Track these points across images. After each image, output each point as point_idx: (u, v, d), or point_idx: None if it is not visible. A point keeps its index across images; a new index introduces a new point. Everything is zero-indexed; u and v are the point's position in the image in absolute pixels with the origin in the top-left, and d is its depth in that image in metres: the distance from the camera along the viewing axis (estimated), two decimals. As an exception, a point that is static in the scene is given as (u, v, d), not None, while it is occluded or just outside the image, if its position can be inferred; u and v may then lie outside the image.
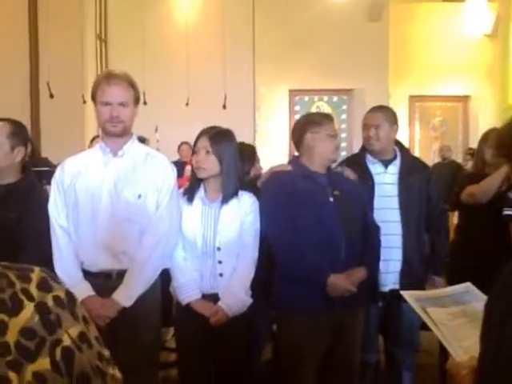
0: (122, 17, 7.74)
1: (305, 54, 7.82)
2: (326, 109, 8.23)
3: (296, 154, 2.59)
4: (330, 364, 2.41)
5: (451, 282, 2.69)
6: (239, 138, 2.51)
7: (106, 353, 0.53)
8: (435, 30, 8.58)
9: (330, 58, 7.83)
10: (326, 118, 2.51)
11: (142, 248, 2.17)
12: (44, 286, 0.48)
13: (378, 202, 2.66)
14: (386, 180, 2.73)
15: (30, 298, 0.47)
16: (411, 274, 2.66)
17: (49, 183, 2.37)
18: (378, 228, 2.52)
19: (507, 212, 2.79)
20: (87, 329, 0.50)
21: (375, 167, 2.76)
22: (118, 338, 1.99)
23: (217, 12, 7.61)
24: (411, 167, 2.79)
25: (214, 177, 2.33)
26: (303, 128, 2.47)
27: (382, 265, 2.55)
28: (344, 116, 8.32)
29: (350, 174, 2.59)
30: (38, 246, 2.22)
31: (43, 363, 0.44)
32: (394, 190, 2.71)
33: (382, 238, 2.53)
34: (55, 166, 2.64)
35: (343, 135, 8.12)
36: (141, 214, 2.19)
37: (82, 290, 2.10)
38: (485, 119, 8.40)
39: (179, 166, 4.07)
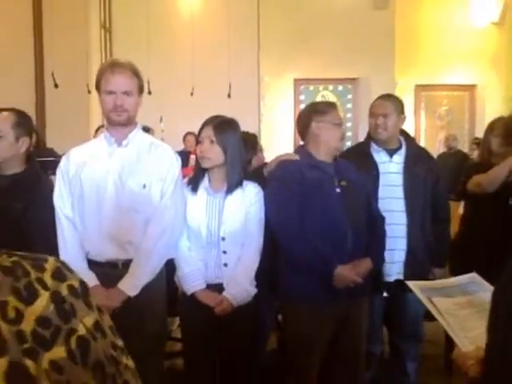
0: (126, 6, 7.71)
1: (310, 43, 7.77)
2: (331, 98, 8.18)
3: (301, 143, 2.57)
4: (335, 354, 2.41)
5: (455, 272, 2.68)
6: (244, 128, 2.50)
7: (120, 342, 0.53)
8: (442, 18, 8.50)
9: (335, 46, 7.77)
10: (330, 107, 2.49)
11: (147, 237, 2.17)
12: (58, 276, 0.49)
13: (382, 192, 2.64)
14: (391, 169, 2.71)
15: (45, 287, 0.47)
16: (416, 263, 2.65)
17: (54, 173, 2.37)
18: (383, 218, 2.51)
19: (515, 201, 2.77)
20: (101, 318, 0.51)
21: (380, 156, 2.74)
22: (123, 327, 2.00)
23: (221, 1, 7.57)
24: (417, 157, 2.77)
25: (219, 166, 2.32)
26: (308, 117, 2.45)
27: (386, 255, 2.54)
28: (349, 105, 8.27)
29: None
30: (43, 235, 2.23)
31: (59, 352, 0.45)
32: (398, 179, 2.69)
33: (387, 228, 2.52)
34: (60, 157, 2.64)
35: (348, 124, 8.08)
36: (146, 203, 2.19)
37: (87, 280, 2.09)
38: (491, 108, 8.33)
39: (184, 155, 4.06)
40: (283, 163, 2.46)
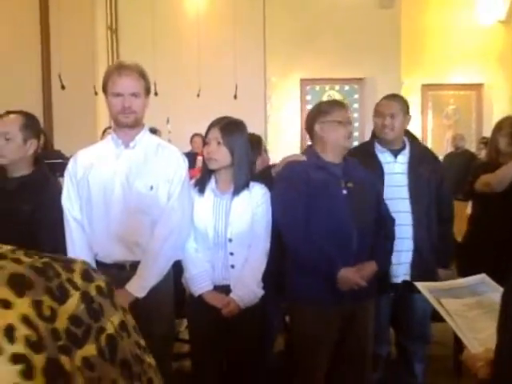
0: (132, 8, 7.73)
1: (316, 43, 7.76)
2: (337, 98, 8.15)
3: (309, 143, 2.57)
4: (341, 355, 2.41)
5: (464, 272, 2.67)
6: (250, 129, 2.50)
7: (142, 342, 0.56)
8: (448, 16, 8.46)
9: (341, 46, 7.76)
10: (335, 105, 2.46)
11: (154, 239, 2.18)
12: (87, 277, 0.51)
13: (387, 192, 2.63)
14: (396, 169, 2.70)
15: (76, 287, 0.49)
16: (422, 264, 2.64)
17: (62, 175, 2.38)
18: (392, 220, 2.49)
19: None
20: (125, 318, 0.53)
21: (384, 156, 2.72)
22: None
23: (227, 2, 7.57)
24: (421, 157, 2.76)
25: (226, 168, 2.32)
26: (313, 118, 2.45)
27: (393, 256, 2.53)
28: (356, 105, 8.26)
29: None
30: (51, 237, 2.24)
31: (90, 349, 0.47)
32: (403, 179, 2.68)
33: None
34: (68, 159, 2.65)
35: (355, 124, 8.06)
36: (153, 205, 2.19)
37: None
38: (499, 107, 8.29)
39: (191, 156, 4.06)
40: (290, 164, 2.46)
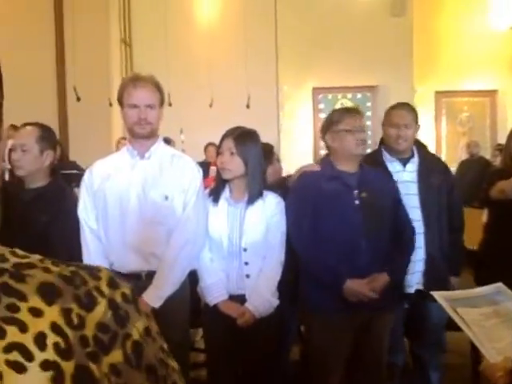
0: (145, 20, 7.82)
1: (327, 52, 7.78)
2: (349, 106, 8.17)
3: (322, 152, 2.57)
4: (356, 365, 2.39)
5: (481, 281, 2.64)
6: (263, 138, 2.51)
7: (165, 346, 0.56)
8: (460, 23, 8.44)
9: (353, 54, 7.77)
10: (345, 113, 2.45)
11: (169, 249, 2.19)
12: (112, 284, 0.52)
13: None
14: (405, 178, 2.67)
15: (102, 294, 0.50)
16: (434, 272, 2.62)
17: (77, 186, 2.41)
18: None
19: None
20: (150, 324, 0.54)
21: (393, 165, 2.70)
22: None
23: (238, 12, 7.62)
24: (430, 165, 2.74)
25: (239, 177, 2.33)
26: (324, 129, 2.46)
27: None
28: (368, 113, 8.24)
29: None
30: (67, 248, 2.25)
31: (117, 356, 0.48)
32: (413, 188, 2.66)
33: None
34: (83, 170, 2.68)
35: (368, 133, 8.04)
36: (168, 215, 2.21)
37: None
38: (513, 114, 8.23)
39: (204, 166, 4.08)
40: (303, 174, 2.47)
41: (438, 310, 2.41)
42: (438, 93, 8.63)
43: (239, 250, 2.29)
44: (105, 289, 0.50)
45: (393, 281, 2.33)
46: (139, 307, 0.53)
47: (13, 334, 0.43)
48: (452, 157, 8.38)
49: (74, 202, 2.36)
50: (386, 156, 2.73)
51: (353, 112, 2.50)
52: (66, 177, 2.78)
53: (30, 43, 6.84)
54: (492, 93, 8.75)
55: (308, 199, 2.31)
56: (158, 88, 2.26)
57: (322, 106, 8.25)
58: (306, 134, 8.08)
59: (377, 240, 2.31)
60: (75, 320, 0.46)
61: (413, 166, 2.71)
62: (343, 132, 2.36)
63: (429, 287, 2.35)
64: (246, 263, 2.29)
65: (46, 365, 0.43)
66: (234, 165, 2.30)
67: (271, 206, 2.34)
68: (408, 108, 2.78)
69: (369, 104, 8.27)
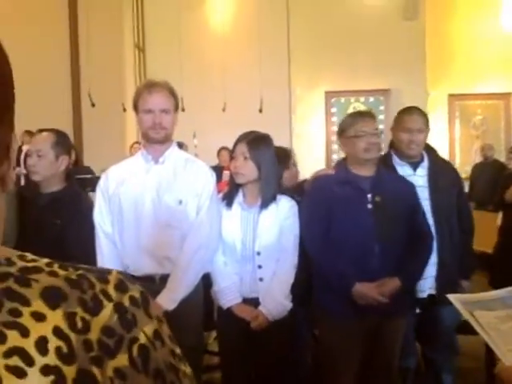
0: (159, 26, 7.88)
1: (340, 55, 7.78)
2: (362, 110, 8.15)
3: (334, 155, 2.58)
4: (368, 368, 2.39)
5: (496, 284, 2.62)
6: (276, 142, 2.52)
7: (178, 350, 0.56)
8: (473, 26, 8.39)
9: (366, 58, 7.76)
10: (358, 117, 2.46)
11: (183, 252, 2.21)
12: (121, 287, 0.51)
13: None
14: (416, 182, 2.66)
15: (109, 298, 0.50)
16: (446, 276, 2.61)
17: (92, 190, 2.43)
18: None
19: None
20: (160, 327, 0.53)
21: (404, 169, 2.68)
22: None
23: (251, 16, 7.66)
24: (440, 169, 2.73)
25: (253, 182, 2.34)
26: (338, 135, 2.48)
27: None
28: (381, 117, 8.20)
29: None
30: (82, 252, 2.27)
31: (122, 360, 0.47)
32: (424, 192, 2.63)
33: None
34: (97, 174, 2.71)
35: (382, 136, 8.01)
36: (182, 219, 2.23)
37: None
38: (528, 116, 8.15)
39: (218, 170, 4.10)
40: (317, 178, 2.48)
41: (450, 313, 2.40)
42: (451, 96, 8.58)
43: (252, 253, 2.30)
44: (112, 292, 0.50)
45: (404, 286, 2.31)
46: (150, 310, 0.52)
47: (14, 338, 0.43)
48: (466, 160, 8.33)
49: (88, 206, 2.38)
50: (396, 160, 2.71)
51: (365, 116, 2.49)
52: (80, 181, 2.81)
53: (44, 51, 6.93)
54: (506, 95, 8.68)
55: (321, 202, 2.32)
56: (173, 93, 2.28)
57: (334, 109, 8.24)
58: (319, 138, 8.07)
59: (390, 244, 2.29)
60: (79, 324, 0.46)
61: (423, 170, 2.70)
62: (352, 137, 2.36)
63: (441, 292, 2.34)
64: (260, 266, 2.30)
65: (46, 369, 0.43)
66: (247, 169, 2.31)
67: (284, 209, 2.35)
68: (419, 112, 2.77)
69: (382, 108, 8.24)
